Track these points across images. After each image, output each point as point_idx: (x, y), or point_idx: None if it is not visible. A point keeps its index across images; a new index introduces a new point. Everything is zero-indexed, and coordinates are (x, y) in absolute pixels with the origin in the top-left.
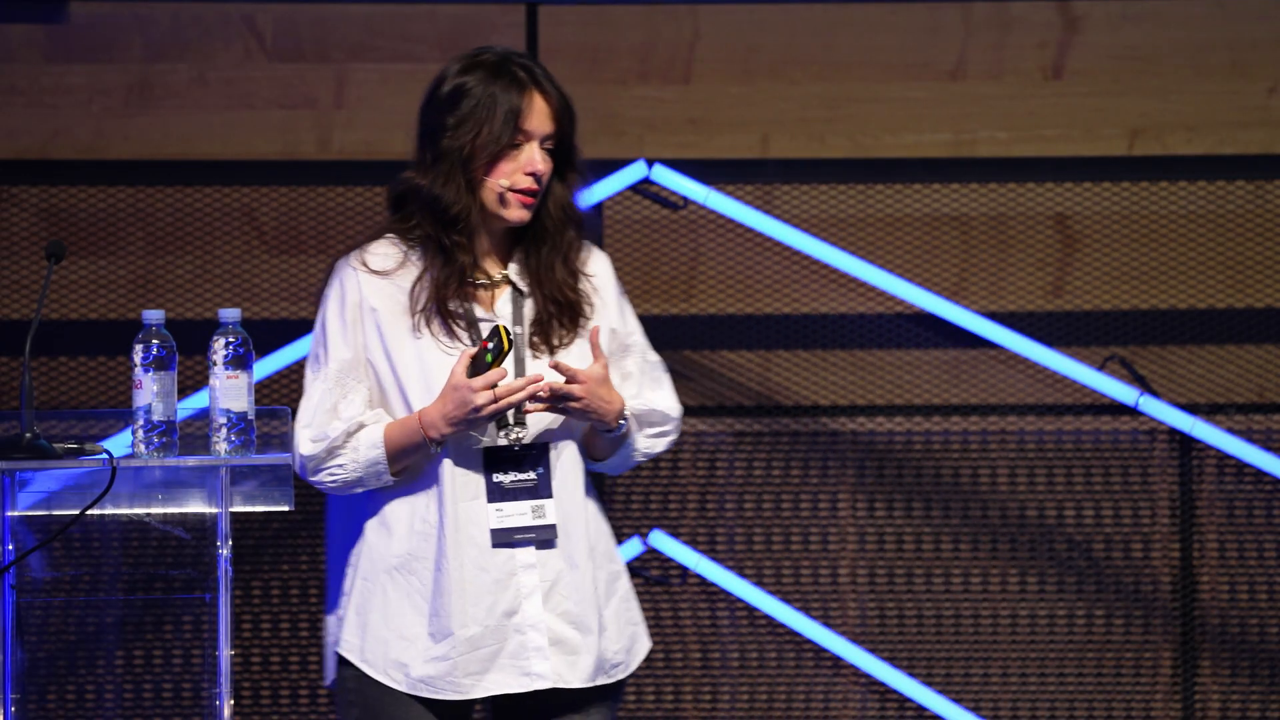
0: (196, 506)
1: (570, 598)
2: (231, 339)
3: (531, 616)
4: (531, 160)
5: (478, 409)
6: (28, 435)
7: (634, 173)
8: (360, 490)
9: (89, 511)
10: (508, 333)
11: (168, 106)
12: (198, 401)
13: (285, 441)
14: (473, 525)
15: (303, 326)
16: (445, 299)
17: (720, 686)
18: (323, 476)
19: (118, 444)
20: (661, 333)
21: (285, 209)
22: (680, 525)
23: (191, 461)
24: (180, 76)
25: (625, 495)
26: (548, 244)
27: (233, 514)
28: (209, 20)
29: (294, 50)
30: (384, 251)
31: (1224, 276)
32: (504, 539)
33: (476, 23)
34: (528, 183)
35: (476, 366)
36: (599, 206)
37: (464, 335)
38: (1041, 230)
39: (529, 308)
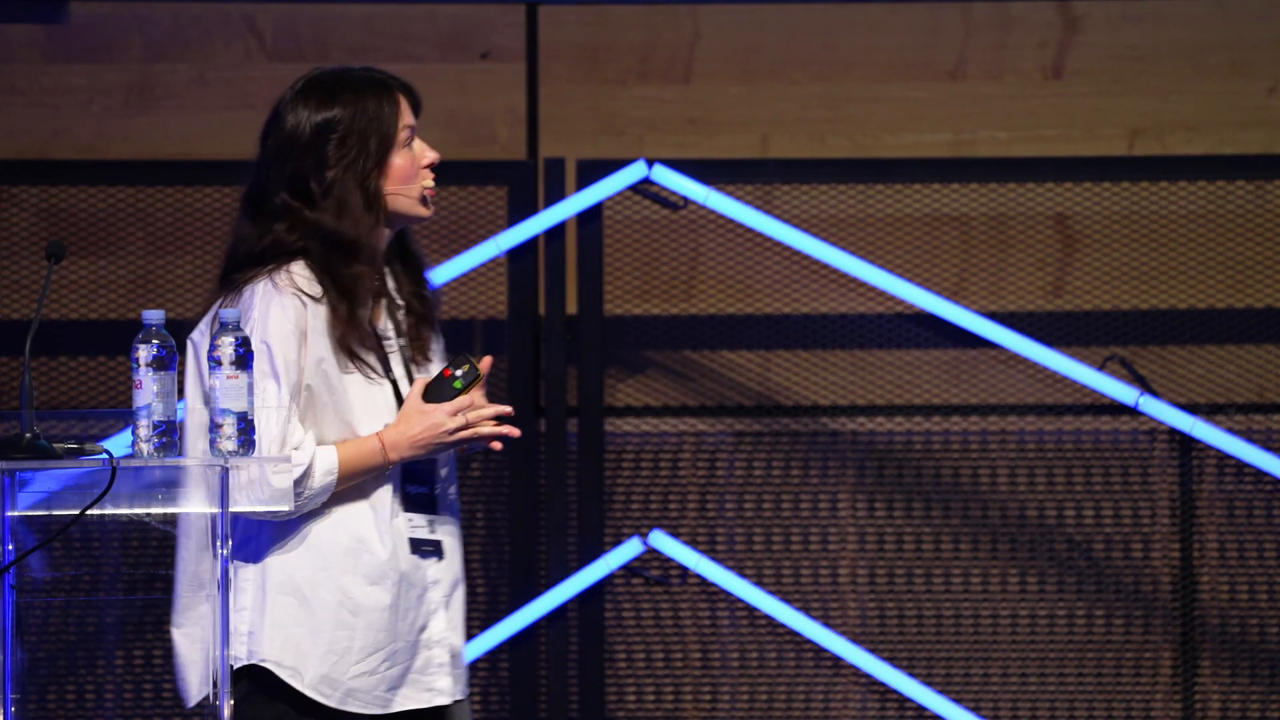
0: (196, 506)
1: (459, 613)
2: (232, 339)
3: (438, 632)
4: (425, 153)
5: (450, 432)
6: (28, 435)
7: (634, 173)
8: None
9: (89, 511)
10: (474, 361)
11: (168, 106)
12: None
13: None
14: (397, 539)
15: None
16: (372, 323)
17: (720, 686)
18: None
19: (118, 444)
20: (661, 333)
21: None
22: (680, 525)
23: (192, 462)
24: (180, 76)
25: (625, 495)
26: (409, 252)
27: (232, 514)
28: (209, 20)
29: (294, 50)
30: (308, 275)
31: (1224, 276)
32: (417, 549)
33: (476, 23)
34: (432, 176)
35: (438, 392)
36: (599, 207)
37: (381, 357)
38: (1041, 230)
39: (401, 318)
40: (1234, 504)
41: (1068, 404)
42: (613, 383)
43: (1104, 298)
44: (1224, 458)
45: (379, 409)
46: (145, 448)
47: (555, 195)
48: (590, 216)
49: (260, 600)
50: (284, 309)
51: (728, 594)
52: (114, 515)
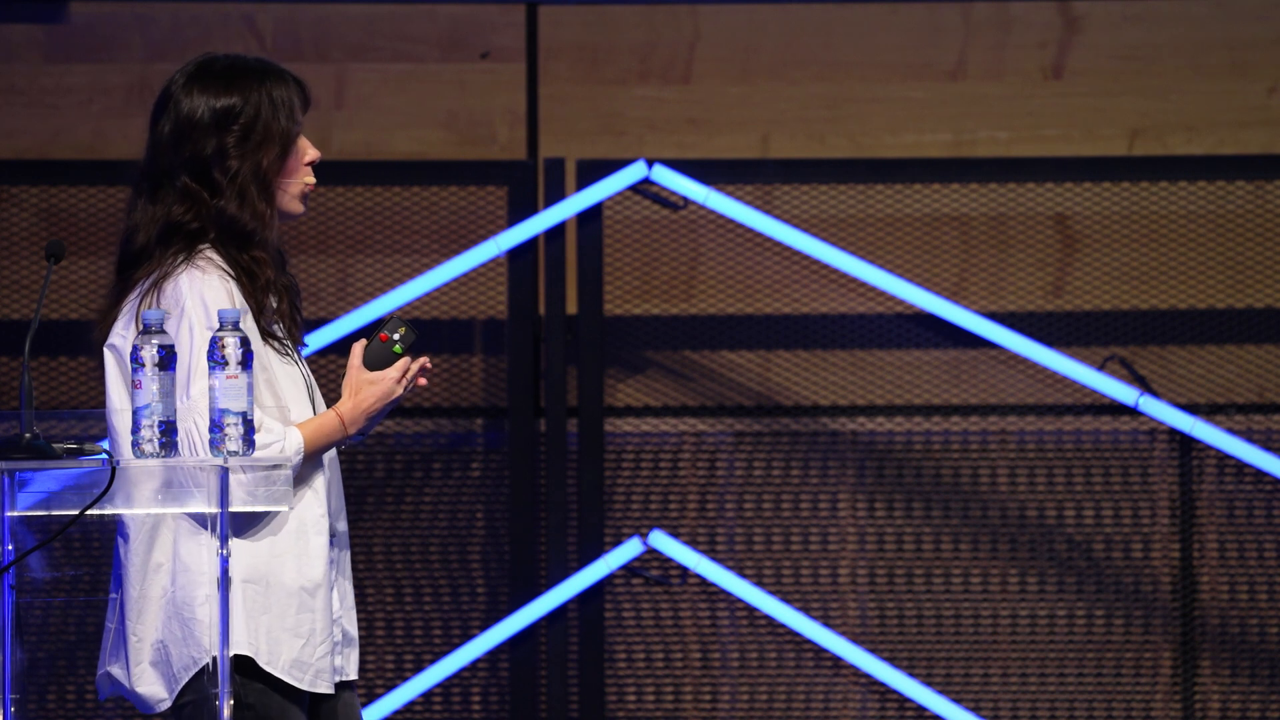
0: (196, 506)
1: (350, 593)
2: (234, 338)
3: (337, 610)
4: (309, 150)
5: (397, 397)
6: (27, 435)
7: (634, 173)
8: None
9: (89, 511)
10: (408, 322)
11: None
12: None
13: None
14: (324, 522)
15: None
16: (276, 305)
17: (720, 686)
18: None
19: None
20: (661, 333)
21: None
22: (680, 525)
23: (192, 462)
24: None
25: (625, 495)
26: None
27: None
28: (209, 20)
29: (294, 50)
30: (220, 261)
31: (1224, 276)
32: (332, 534)
33: (476, 23)
34: (312, 173)
35: (378, 356)
36: (599, 207)
37: (284, 340)
38: (1041, 230)
39: (285, 304)
40: (1234, 504)
41: (1068, 404)
42: (613, 383)
43: (1104, 298)
44: (1224, 458)
45: (297, 384)
46: (146, 448)
47: (555, 195)
48: (590, 216)
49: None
50: (218, 291)
51: (728, 594)
52: (114, 515)
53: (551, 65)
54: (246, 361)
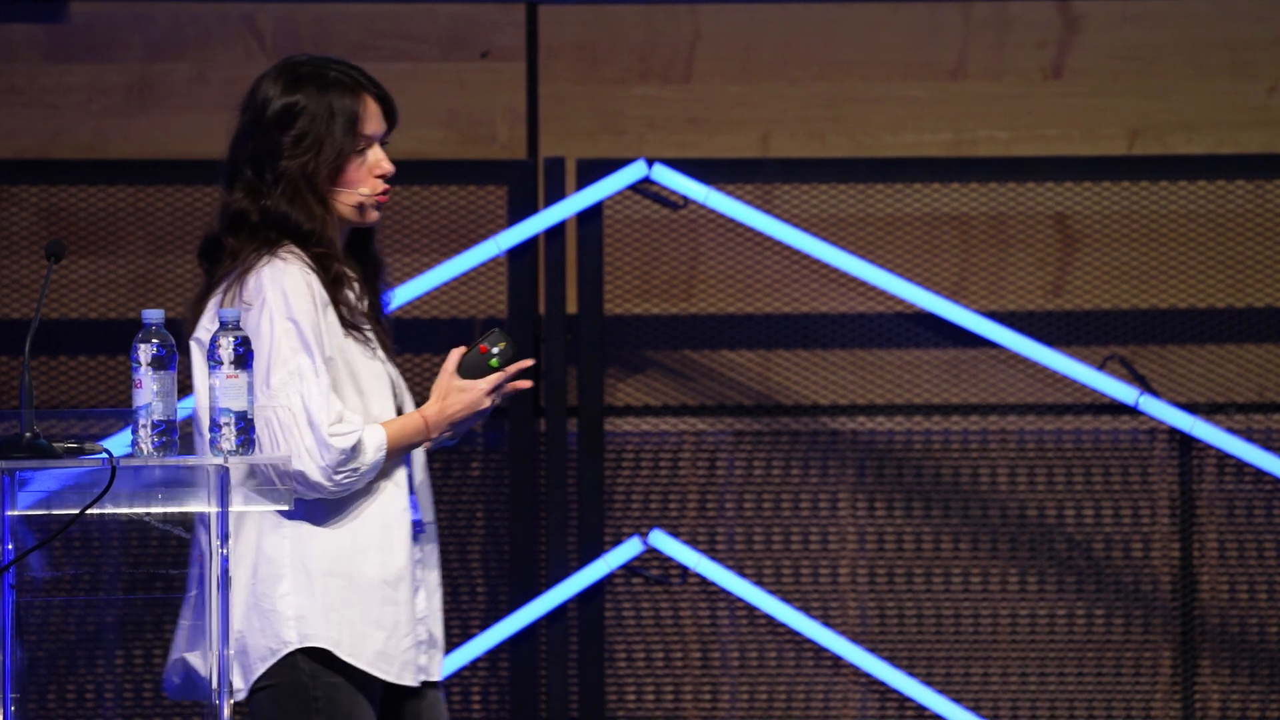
0: (196, 506)
1: (436, 593)
2: (231, 339)
3: (421, 610)
4: (379, 163)
5: (485, 409)
6: (27, 435)
7: (634, 172)
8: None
9: (89, 511)
10: (510, 337)
11: (168, 106)
12: None
13: None
14: (406, 516)
15: None
16: (361, 299)
17: (720, 686)
18: (341, 477)
19: (118, 443)
20: (661, 332)
21: None
22: (680, 525)
23: (191, 461)
24: (180, 76)
25: (625, 495)
26: (371, 239)
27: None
28: (209, 20)
29: (294, 50)
30: (302, 255)
31: (1224, 276)
32: (416, 531)
33: (476, 23)
34: (382, 186)
35: (474, 367)
36: (599, 206)
37: (369, 332)
38: (1041, 230)
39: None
40: (1234, 504)
41: (1068, 404)
42: (613, 383)
43: (1104, 297)
44: (1224, 457)
45: (380, 380)
46: (145, 447)
47: (555, 195)
48: (590, 216)
49: (306, 583)
50: (301, 282)
51: (728, 594)
52: (114, 515)
53: (551, 64)
54: (245, 361)
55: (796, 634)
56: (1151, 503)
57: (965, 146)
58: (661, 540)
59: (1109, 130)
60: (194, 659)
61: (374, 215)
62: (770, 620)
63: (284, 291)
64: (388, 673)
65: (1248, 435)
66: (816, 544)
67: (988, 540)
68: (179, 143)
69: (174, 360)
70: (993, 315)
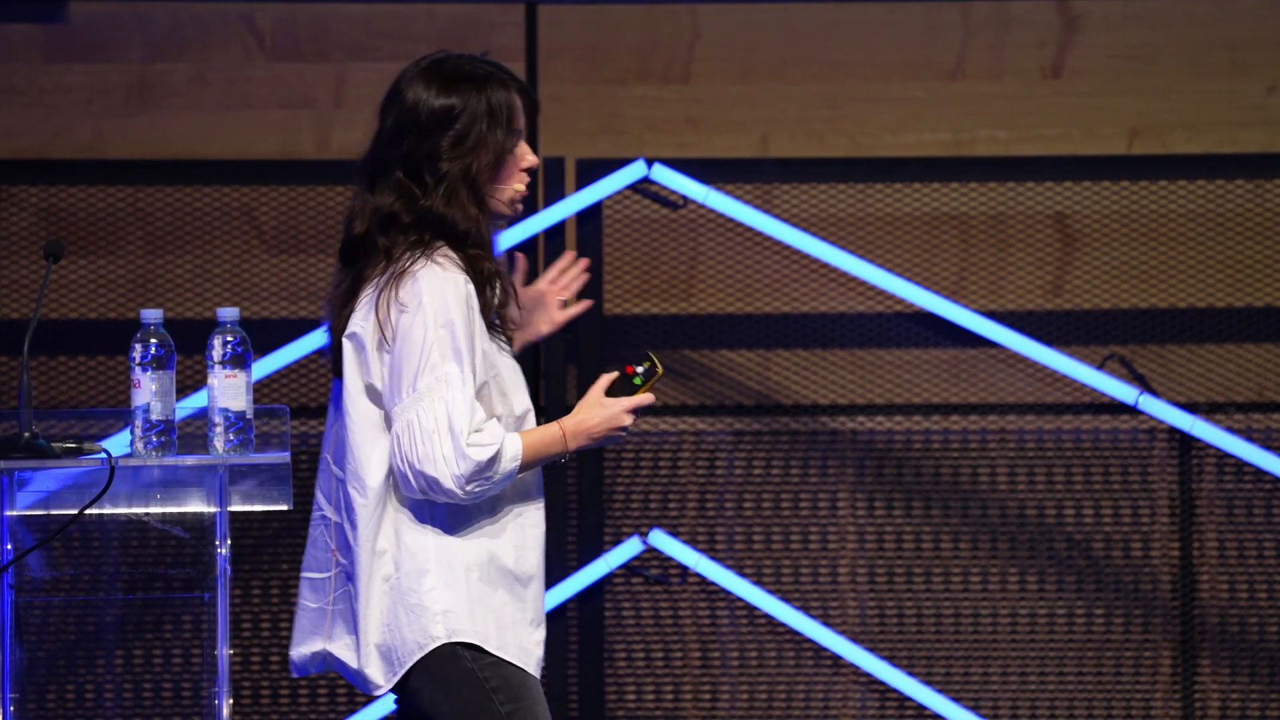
0: (195, 506)
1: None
2: (230, 338)
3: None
4: (526, 156)
5: (623, 428)
6: (26, 435)
7: (633, 172)
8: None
9: (88, 511)
10: (656, 359)
11: (168, 106)
12: (197, 401)
13: (284, 440)
14: (541, 514)
15: (302, 326)
16: (504, 304)
17: (720, 686)
18: (473, 487)
19: (117, 443)
20: (661, 332)
21: (285, 209)
22: (680, 525)
23: (190, 461)
24: (180, 76)
25: (625, 495)
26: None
27: (231, 513)
28: (209, 20)
29: (293, 50)
30: (458, 260)
31: (1224, 276)
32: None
33: (476, 23)
34: (527, 179)
35: (619, 387)
36: (598, 206)
37: (501, 331)
38: (1041, 229)
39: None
40: (1234, 503)
41: (1067, 403)
42: None
43: (1103, 297)
44: (1224, 456)
45: (516, 374)
46: (143, 447)
47: (555, 194)
48: (590, 216)
49: (451, 578)
50: (457, 287)
51: (728, 593)
52: (113, 515)
53: (551, 64)
54: (244, 361)
55: (796, 633)
56: (1151, 502)
57: (965, 146)
58: (661, 540)
59: (1108, 130)
60: (340, 650)
61: (520, 208)
62: (770, 620)
63: (444, 298)
64: (528, 664)
65: (1247, 435)
66: (816, 544)
67: (987, 540)
68: (178, 143)
69: (172, 360)
70: (992, 315)
